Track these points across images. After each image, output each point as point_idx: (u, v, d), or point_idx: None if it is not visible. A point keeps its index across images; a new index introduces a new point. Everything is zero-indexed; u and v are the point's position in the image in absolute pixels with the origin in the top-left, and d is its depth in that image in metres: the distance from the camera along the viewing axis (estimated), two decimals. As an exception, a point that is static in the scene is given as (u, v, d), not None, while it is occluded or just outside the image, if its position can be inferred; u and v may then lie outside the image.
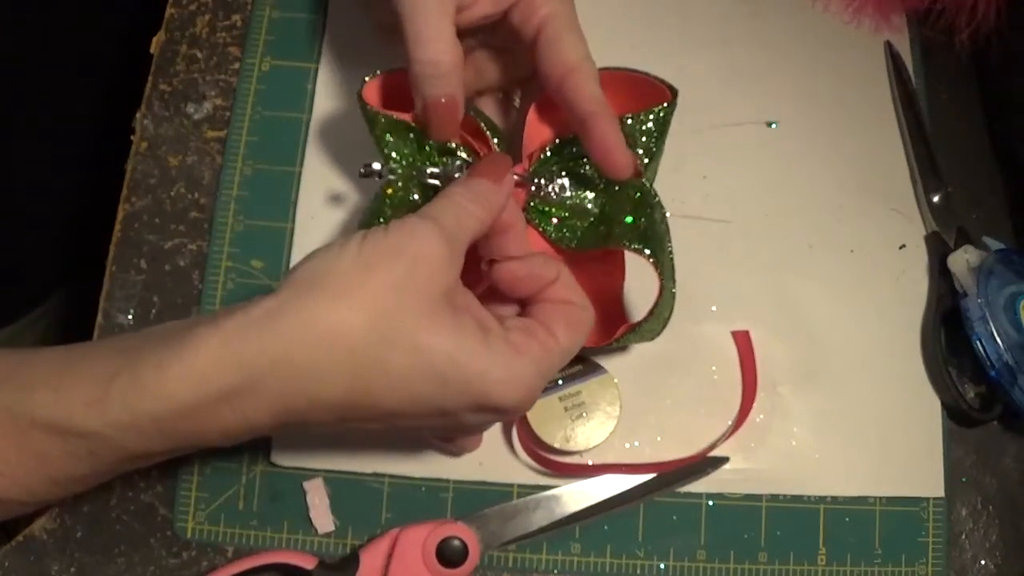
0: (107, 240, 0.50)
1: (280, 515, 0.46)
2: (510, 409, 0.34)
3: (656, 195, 0.43)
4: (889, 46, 0.54)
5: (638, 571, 0.46)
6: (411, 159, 0.43)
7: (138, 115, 0.52)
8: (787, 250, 0.51)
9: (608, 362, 0.47)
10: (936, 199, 0.51)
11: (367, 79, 0.44)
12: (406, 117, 0.43)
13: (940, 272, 0.50)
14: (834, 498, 0.47)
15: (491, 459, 0.47)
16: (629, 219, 0.42)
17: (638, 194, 0.43)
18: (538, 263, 0.38)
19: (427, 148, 0.43)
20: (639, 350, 0.44)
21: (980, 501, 0.48)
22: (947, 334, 0.49)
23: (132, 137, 0.52)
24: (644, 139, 0.43)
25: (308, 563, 0.43)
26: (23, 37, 0.56)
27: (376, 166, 0.42)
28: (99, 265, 0.50)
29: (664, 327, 0.43)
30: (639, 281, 0.44)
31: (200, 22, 0.54)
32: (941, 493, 0.47)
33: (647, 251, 0.40)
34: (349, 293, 0.32)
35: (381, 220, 0.42)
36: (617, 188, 0.43)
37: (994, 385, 0.47)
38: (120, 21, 0.62)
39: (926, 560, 0.47)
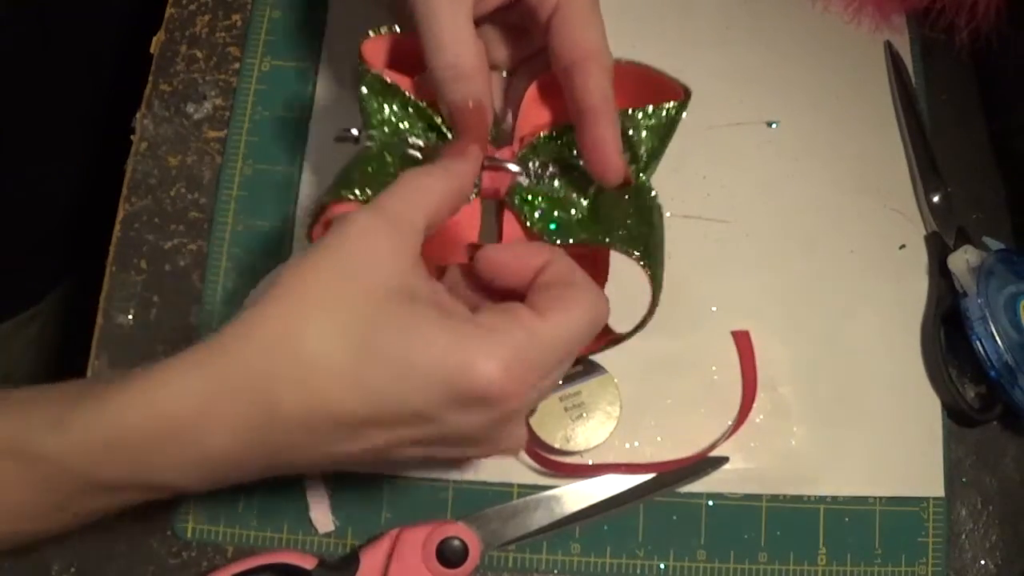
0: (107, 240, 0.50)
1: (280, 515, 0.46)
2: (491, 396, 0.30)
3: (656, 195, 0.41)
4: (889, 46, 0.54)
5: (638, 571, 0.46)
6: (395, 126, 0.40)
7: (138, 115, 0.52)
8: (787, 250, 0.51)
9: (608, 362, 0.47)
10: (936, 199, 0.51)
11: (371, 32, 0.40)
12: (402, 81, 0.40)
13: (940, 272, 0.50)
14: (834, 498, 0.47)
15: (491, 459, 0.47)
16: (629, 221, 0.39)
17: (637, 194, 0.40)
18: (523, 247, 0.36)
19: (412, 118, 0.41)
20: (639, 350, 0.44)
21: (980, 501, 0.48)
22: (947, 334, 0.49)
23: (132, 137, 0.52)
24: (648, 136, 0.41)
25: (308, 563, 0.43)
26: (23, 37, 0.56)
27: (354, 131, 0.39)
28: (100, 261, 0.50)
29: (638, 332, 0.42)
30: (619, 285, 0.41)
31: (200, 22, 0.54)
32: (941, 493, 0.47)
33: (644, 261, 0.38)
34: (288, 301, 0.30)
35: (355, 190, 0.37)
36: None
37: (994, 385, 0.47)
38: (120, 21, 0.62)
39: (926, 560, 0.47)
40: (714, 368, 0.48)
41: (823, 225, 0.51)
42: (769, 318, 0.49)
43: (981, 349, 0.47)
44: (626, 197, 0.40)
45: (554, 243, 0.39)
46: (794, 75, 0.54)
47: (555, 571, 0.46)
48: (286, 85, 0.52)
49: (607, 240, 0.39)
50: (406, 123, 0.40)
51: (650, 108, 0.41)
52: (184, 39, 0.53)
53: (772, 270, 0.50)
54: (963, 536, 0.48)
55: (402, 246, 0.32)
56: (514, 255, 0.35)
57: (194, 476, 0.32)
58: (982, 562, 0.47)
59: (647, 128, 0.41)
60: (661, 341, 0.47)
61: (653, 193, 0.41)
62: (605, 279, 0.42)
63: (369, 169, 0.39)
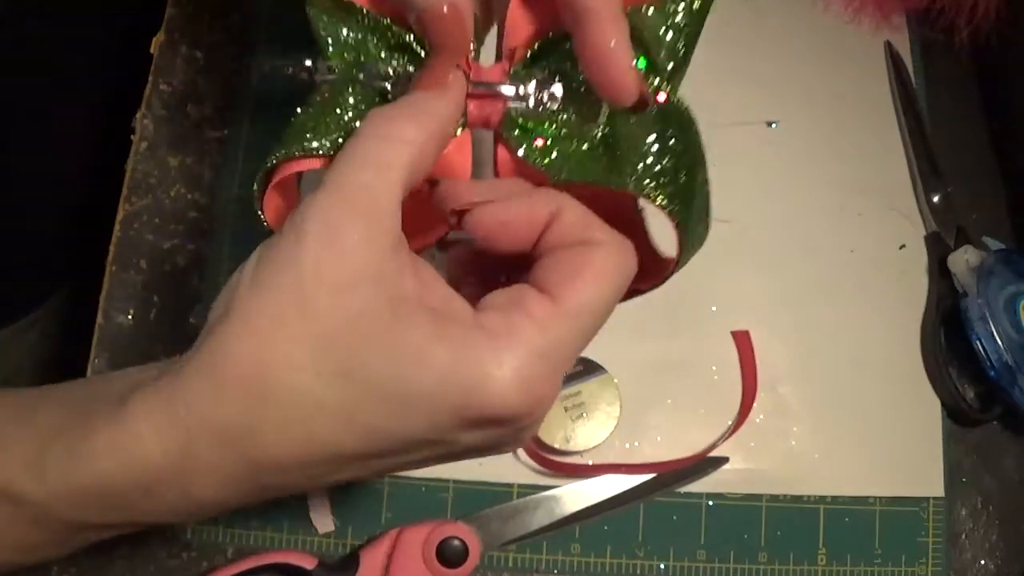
0: (107, 240, 0.50)
1: (280, 515, 0.46)
2: (509, 416, 0.26)
3: (688, 110, 0.31)
4: (889, 46, 0.54)
5: (638, 571, 0.46)
6: (355, 52, 0.32)
7: (138, 115, 0.52)
8: (787, 250, 0.51)
9: (608, 362, 0.47)
10: (936, 199, 0.51)
11: None
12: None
13: (940, 272, 0.50)
14: (834, 498, 0.47)
15: (491, 459, 0.47)
16: (650, 156, 0.30)
17: (663, 118, 0.31)
18: (522, 200, 0.29)
19: (375, 40, 0.32)
20: (639, 350, 0.45)
21: (980, 501, 0.48)
22: (947, 334, 0.49)
23: (132, 137, 0.52)
24: (671, 37, 0.31)
25: (308, 563, 0.43)
26: (23, 37, 0.56)
27: (307, 62, 0.32)
28: (99, 265, 0.50)
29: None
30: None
31: (200, 22, 0.54)
32: (941, 493, 0.47)
33: (669, 205, 0.30)
34: (248, 330, 0.25)
35: (304, 143, 0.31)
36: None
37: (994, 385, 0.47)
38: (120, 21, 0.62)
39: (926, 560, 0.47)
40: (714, 368, 0.48)
41: (823, 225, 0.51)
42: (769, 318, 0.49)
43: (981, 349, 0.47)
44: (645, 122, 0.31)
45: (560, 181, 0.31)
46: (794, 75, 0.54)
47: (555, 571, 0.46)
48: (286, 85, 0.52)
49: (620, 181, 0.30)
50: (368, 47, 0.32)
51: (668, 2, 0.31)
52: (184, 39, 0.53)
53: (772, 270, 0.50)
54: (963, 536, 0.48)
55: (374, 233, 0.25)
56: (512, 212, 0.28)
57: (184, 515, 0.29)
58: (982, 562, 0.47)
59: (667, 27, 0.31)
60: (661, 341, 0.47)
61: (685, 107, 0.32)
62: (643, 229, 0.33)
63: (327, 112, 0.31)
